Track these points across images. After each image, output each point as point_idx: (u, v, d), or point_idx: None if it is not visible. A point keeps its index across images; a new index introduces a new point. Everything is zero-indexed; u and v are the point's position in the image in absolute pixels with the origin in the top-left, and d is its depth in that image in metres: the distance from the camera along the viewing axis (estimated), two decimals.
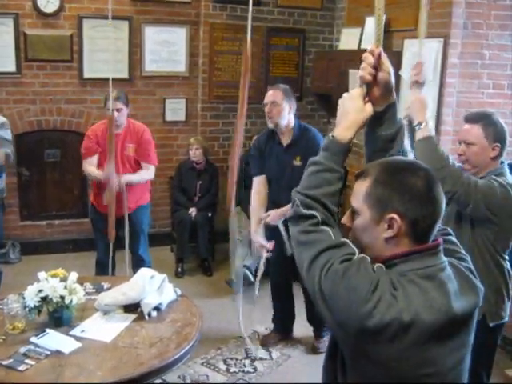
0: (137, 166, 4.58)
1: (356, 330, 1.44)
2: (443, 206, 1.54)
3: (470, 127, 2.80)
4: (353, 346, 1.50)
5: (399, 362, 1.46)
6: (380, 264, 1.51)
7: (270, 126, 4.03)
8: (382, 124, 1.75)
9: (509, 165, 4.60)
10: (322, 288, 1.49)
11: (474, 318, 1.59)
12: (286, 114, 3.96)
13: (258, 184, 4.17)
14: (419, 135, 2.75)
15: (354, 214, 1.59)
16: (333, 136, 1.68)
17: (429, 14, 4.77)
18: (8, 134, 4.34)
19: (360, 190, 1.57)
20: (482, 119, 2.80)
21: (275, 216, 3.98)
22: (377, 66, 1.69)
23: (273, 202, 4.08)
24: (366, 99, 1.71)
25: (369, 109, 1.70)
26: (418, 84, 2.94)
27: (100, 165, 4.42)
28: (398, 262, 1.51)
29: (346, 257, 1.50)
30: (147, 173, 4.62)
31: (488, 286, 2.68)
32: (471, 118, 2.85)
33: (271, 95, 3.99)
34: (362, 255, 1.53)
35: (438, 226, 1.56)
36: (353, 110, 1.70)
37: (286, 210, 3.69)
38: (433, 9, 4.77)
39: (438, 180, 1.57)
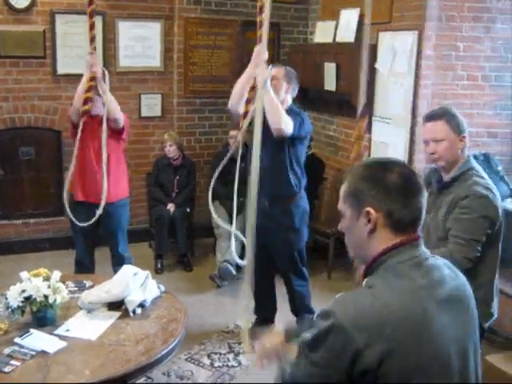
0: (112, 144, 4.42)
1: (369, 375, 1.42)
2: (419, 198, 1.57)
3: (434, 124, 2.81)
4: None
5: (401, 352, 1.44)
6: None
7: None
8: None
9: (484, 155, 4.73)
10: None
11: (469, 299, 1.61)
12: (282, 93, 3.99)
13: None
14: None
15: (342, 217, 1.65)
16: None
17: (403, 6, 4.86)
18: None
19: (341, 192, 1.65)
20: (444, 115, 2.83)
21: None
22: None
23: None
24: None
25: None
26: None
27: (83, 143, 4.30)
28: (386, 257, 1.55)
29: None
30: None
31: (477, 289, 2.74)
32: (433, 116, 2.87)
33: (273, 71, 4.03)
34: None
35: (422, 217, 1.59)
36: None
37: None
38: (407, 1, 4.83)
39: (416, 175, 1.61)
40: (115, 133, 4.37)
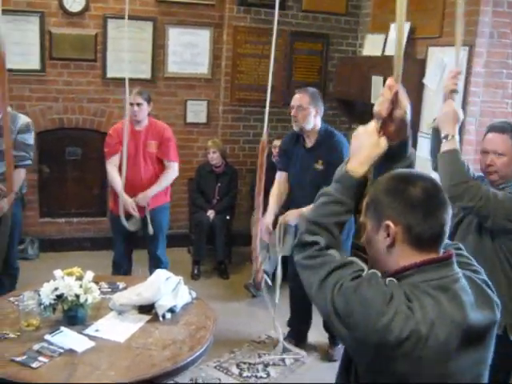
0: (159, 164, 4.57)
1: (375, 345, 1.42)
2: (443, 214, 1.51)
3: (498, 137, 2.74)
4: (370, 362, 1.47)
5: (416, 377, 1.43)
6: (391, 278, 1.50)
7: (296, 129, 4.06)
8: (394, 159, 1.70)
9: None
10: (335, 306, 1.48)
11: (492, 333, 1.55)
12: (311, 119, 3.97)
13: (281, 177, 4.28)
14: (445, 147, 2.66)
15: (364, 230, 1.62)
16: (346, 170, 1.66)
17: (454, 21, 4.76)
18: (31, 138, 4.11)
19: (363, 204, 1.61)
20: (510, 130, 2.76)
21: (293, 215, 3.97)
22: (394, 102, 1.65)
23: (295, 206, 4.06)
24: (381, 133, 1.68)
25: (383, 144, 1.67)
26: (453, 93, 2.75)
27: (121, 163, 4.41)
28: (410, 273, 1.49)
29: (355, 274, 1.51)
30: (168, 175, 4.61)
31: (510, 299, 2.62)
32: (498, 128, 2.79)
33: (298, 99, 3.99)
34: (372, 270, 1.52)
35: (445, 234, 1.53)
36: (368, 144, 1.66)
37: (305, 210, 3.66)
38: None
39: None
40: None
